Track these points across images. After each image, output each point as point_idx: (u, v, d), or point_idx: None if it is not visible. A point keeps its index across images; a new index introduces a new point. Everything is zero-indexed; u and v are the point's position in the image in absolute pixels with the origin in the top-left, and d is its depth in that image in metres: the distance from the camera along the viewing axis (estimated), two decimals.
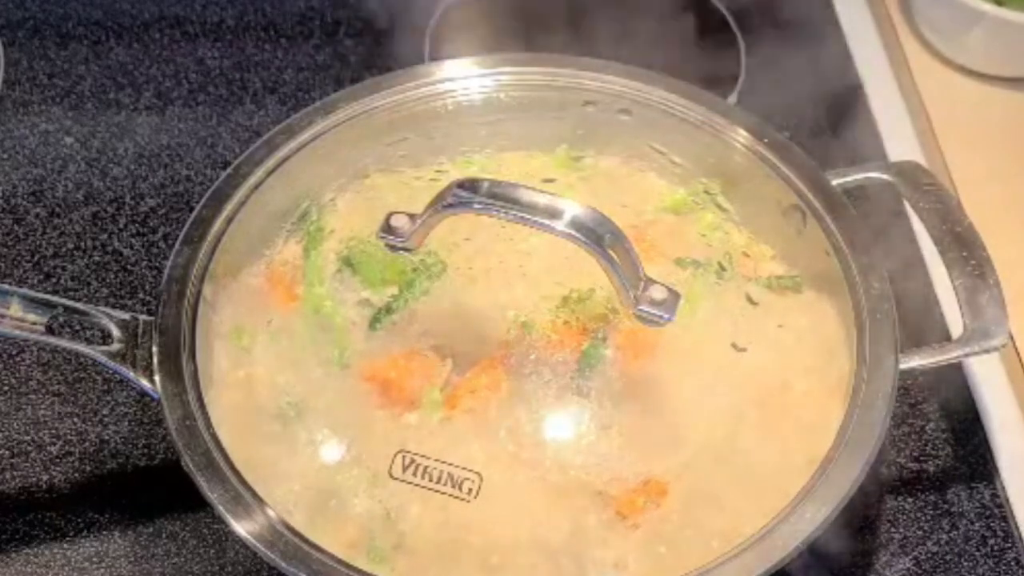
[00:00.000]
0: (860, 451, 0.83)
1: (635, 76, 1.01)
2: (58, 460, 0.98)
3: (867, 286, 0.90)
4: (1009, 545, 0.96)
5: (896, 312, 0.89)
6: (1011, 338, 0.94)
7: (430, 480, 0.87)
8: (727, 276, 0.96)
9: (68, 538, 0.94)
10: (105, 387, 1.01)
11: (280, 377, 0.92)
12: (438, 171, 1.03)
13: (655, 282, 0.84)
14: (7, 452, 0.98)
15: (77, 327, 0.97)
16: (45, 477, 0.97)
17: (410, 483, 0.87)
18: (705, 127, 0.99)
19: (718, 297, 0.95)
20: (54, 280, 1.08)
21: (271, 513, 0.84)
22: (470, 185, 0.84)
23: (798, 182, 0.96)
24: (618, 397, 0.90)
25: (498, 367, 0.90)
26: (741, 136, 0.99)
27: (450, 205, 0.85)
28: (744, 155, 0.98)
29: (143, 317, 0.88)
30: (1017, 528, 0.97)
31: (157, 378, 0.85)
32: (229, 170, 0.95)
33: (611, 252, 0.82)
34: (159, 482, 0.97)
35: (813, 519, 0.81)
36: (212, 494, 0.80)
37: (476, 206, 0.84)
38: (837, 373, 0.92)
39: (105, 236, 1.11)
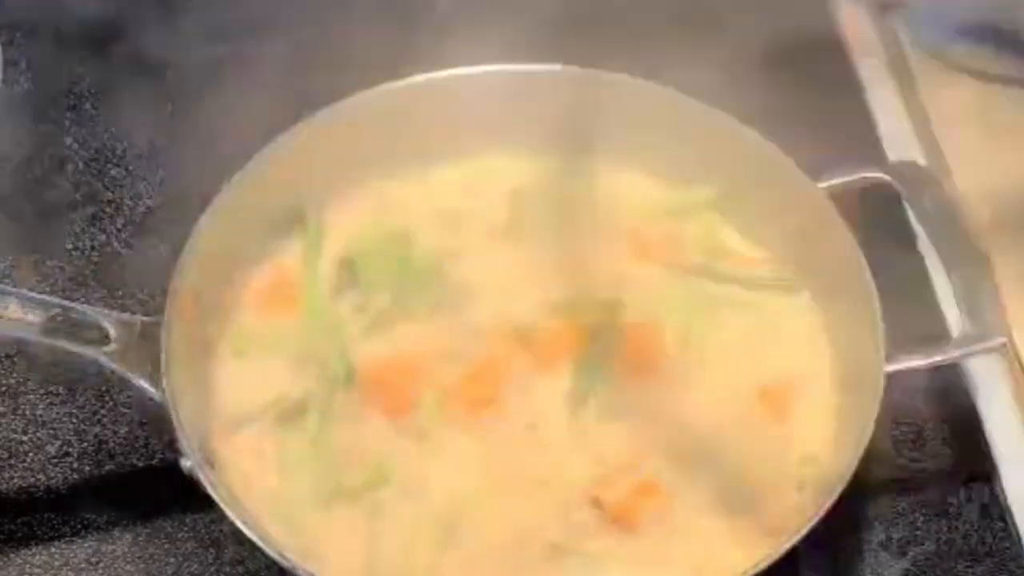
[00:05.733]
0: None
1: (634, 80, 1.01)
2: (56, 460, 0.98)
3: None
4: (1008, 545, 0.96)
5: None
6: (1010, 338, 0.94)
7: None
8: (723, 279, 0.97)
9: (66, 538, 0.94)
10: (103, 388, 1.01)
11: (279, 379, 0.92)
12: (438, 171, 1.03)
13: None
14: (5, 452, 0.98)
15: (75, 327, 0.96)
16: (43, 477, 0.97)
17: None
18: (702, 131, 0.99)
19: (714, 299, 0.96)
20: (52, 280, 1.08)
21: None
22: None
23: (792, 188, 0.96)
24: (615, 400, 0.90)
25: (496, 371, 0.90)
26: (738, 141, 0.98)
27: None
28: (741, 160, 0.99)
29: (141, 318, 0.88)
30: (1016, 528, 0.96)
31: (158, 379, 0.85)
32: (231, 173, 0.95)
33: None
34: (158, 482, 0.96)
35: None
36: (215, 494, 0.80)
37: None
38: (831, 374, 0.92)
39: (104, 236, 1.11)
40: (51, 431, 0.99)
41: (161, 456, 0.98)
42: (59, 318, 0.86)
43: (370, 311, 0.95)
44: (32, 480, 0.97)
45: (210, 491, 0.80)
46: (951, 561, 0.95)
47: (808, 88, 1.22)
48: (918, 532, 0.96)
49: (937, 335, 1.04)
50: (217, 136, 1.18)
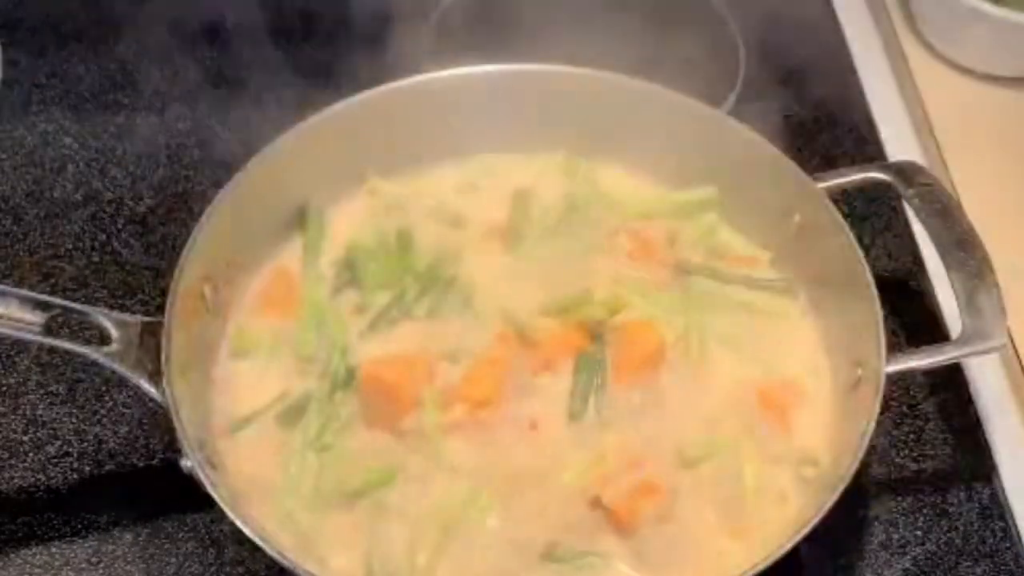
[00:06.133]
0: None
1: (634, 80, 1.01)
2: (56, 460, 0.98)
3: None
4: (1008, 545, 0.96)
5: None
6: (1010, 339, 0.94)
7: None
8: (723, 279, 0.97)
9: (66, 538, 0.94)
10: (103, 388, 1.01)
11: (280, 379, 0.93)
12: (438, 171, 1.03)
13: None
14: (5, 452, 0.98)
15: (76, 327, 0.96)
16: (43, 477, 0.97)
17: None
18: (702, 132, 1.00)
19: (715, 300, 0.96)
20: (53, 280, 1.08)
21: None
22: None
23: (792, 188, 0.96)
24: (614, 400, 0.90)
25: (495, 370, 0.90)
26: (737, 143, 0.98)
27: None
28: (740, 162, 0.99)
29: (141, 318, 0.88)
30: (1016, 528, 0.96)
31: (158, 379, 0.85)
32: (231, 175, 0.95)
33: None
34: (157, 482, 0.97)
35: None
36: (215, 494, 0.80)
37: None
38: (831, 374, 0.92)
39: (104, 236, 1.11)
40: (51, 431, 0.99)
41: (161, 456, 0.98)
42: (59, 318, 0.86)
43: (370, 311, 0.95)
44: (32, 480, 0.97)
45: (210, 491, 0.80)
46: (951, 561, 0.95)
47: (808, 88, 1.22)
48: (918, 532, 0.96)
49: (937, 335, 1.04)
50: (218, 136, 1.18)
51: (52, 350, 1.02)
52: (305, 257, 0.99)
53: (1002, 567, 0.95)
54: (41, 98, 1.21)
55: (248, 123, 1.19)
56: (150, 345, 0.86)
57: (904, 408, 1.02)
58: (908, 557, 0.95)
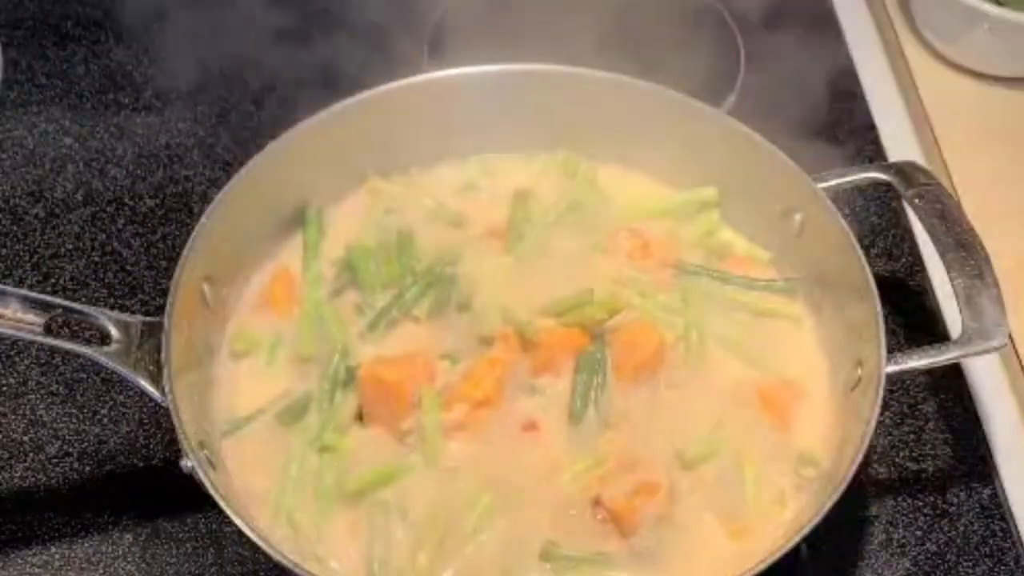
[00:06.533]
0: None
1: (635, 80, 1.01)
2: (56, 460, 0.98)
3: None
4: (1008, 545, 0.96)
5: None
6: (1010, 339, 0.94)
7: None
8: (723, 279, 0.97)
9: (67, 538, 0.94)
10: (104, 388, 1.01)
11: (280, 379, 0.93)
12: (438, 171, 1.03)
13: None
14: (5, 453, 0.98)
15: (76, 327, 0.97)
16: (43, 477, 0.97)
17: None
18: (703, 132, 1.00)
19: (715, 300, 0.96)
20: (53, 280, 1.08)
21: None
22: None
23: (792, 188, 0.96)
24: (614, 400, 0.90)
25: (495, 370, 0.90)
26: (737, 143, 0.98)
27: None
28: (740, 162, 0.99)
29: (141, 318, 0.88)
30: (1016, 528, 0.96)
31: (159, 379, 0.85)
32: (231, 175, 0.95)
33: None
34: (158, 482, 0.97)
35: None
36: (215, 494, 0.80)
37: None
38: (831, 374, 0.92)
39: (104, 236, 1.11)
40: (51, 431, 0.99)
41: (161, 456, 0.98)
42: (59, 318, 0.86)
43: (370, 311, 0.95)
44: (32, 480, 0.97)
45: (210, 491, 0.80)
46: (951, 561, 0.95)
47: (808, 88, 1.22)
48: (918, 532, 0.96)
49: (937, 335, 1.04)
50: (218, 136, 1.18)
51: (52, 350, 1.02)
52: (305, 257, 0.99)
53: (1002, 567, 0.95)
54: (41, 98, 1.21)
55: (248, 123, 1.20)
56: (150, 345, 0.86)
57: (904, 408, 1.02)
58: (908, 557, 0.95)
